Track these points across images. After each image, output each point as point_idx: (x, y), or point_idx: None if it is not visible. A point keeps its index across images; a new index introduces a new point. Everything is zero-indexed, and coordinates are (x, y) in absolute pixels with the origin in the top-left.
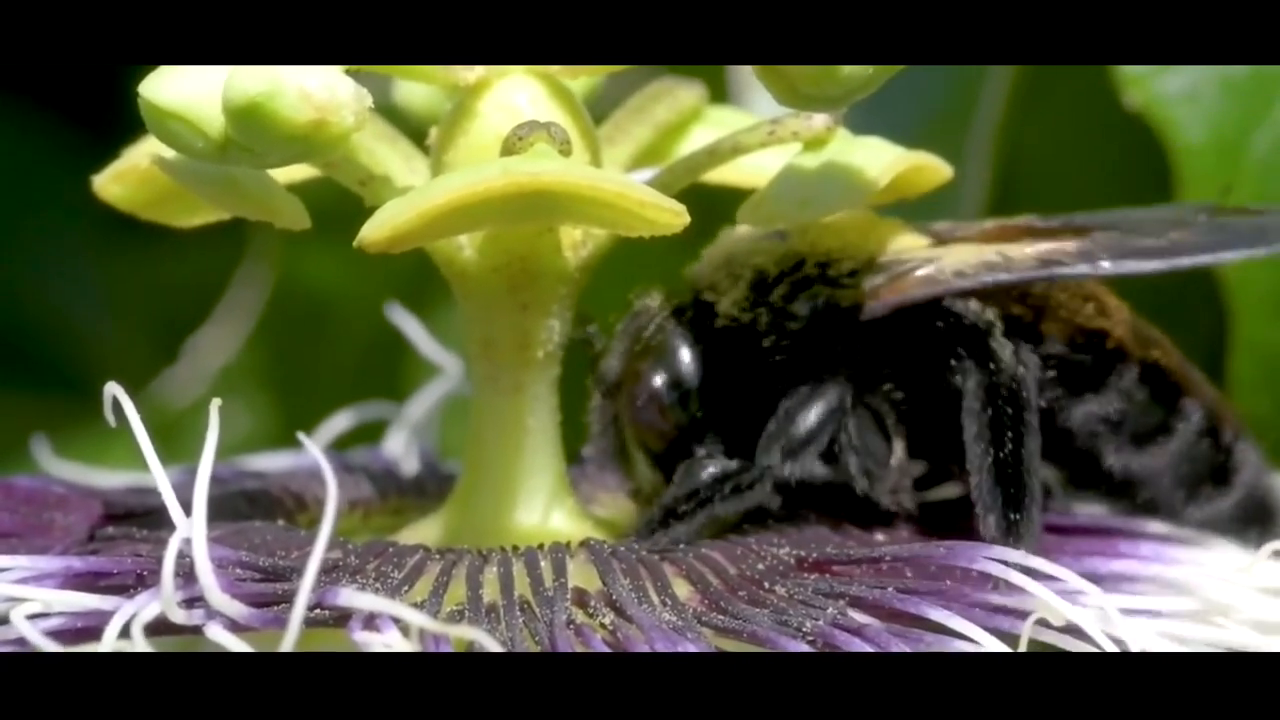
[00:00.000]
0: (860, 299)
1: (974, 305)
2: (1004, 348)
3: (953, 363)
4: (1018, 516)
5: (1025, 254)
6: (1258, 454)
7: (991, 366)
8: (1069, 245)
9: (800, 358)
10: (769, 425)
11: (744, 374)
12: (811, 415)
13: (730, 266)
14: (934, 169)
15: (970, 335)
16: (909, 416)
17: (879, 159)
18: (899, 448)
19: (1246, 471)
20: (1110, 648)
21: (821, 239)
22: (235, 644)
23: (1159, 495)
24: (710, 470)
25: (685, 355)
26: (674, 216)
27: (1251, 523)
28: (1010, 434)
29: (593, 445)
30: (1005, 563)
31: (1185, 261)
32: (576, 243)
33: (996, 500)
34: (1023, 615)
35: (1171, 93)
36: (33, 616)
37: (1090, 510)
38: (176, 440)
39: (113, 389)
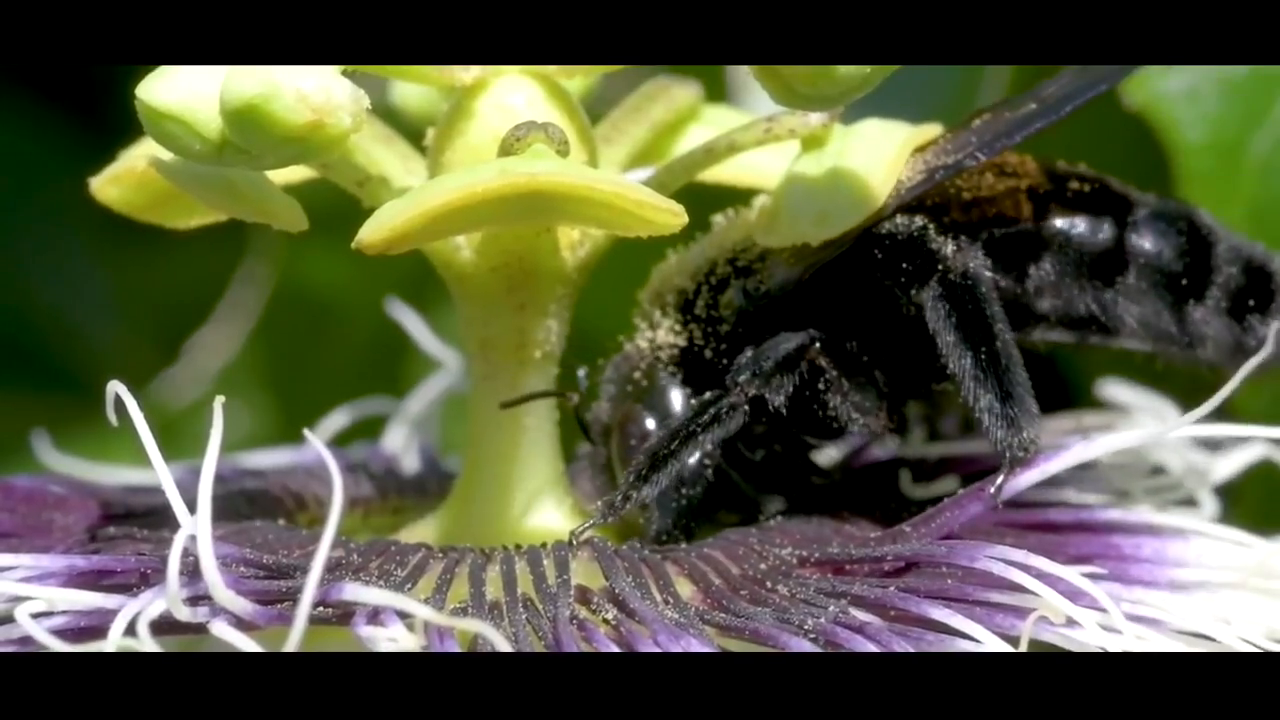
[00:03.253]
0: (778, 272)
1: (900, 220)
2: (944, 246)
3: (902, 280)
4: (1015, 410)
5: (912, 172)
6: (1230, 233)
7: (940, 268)
8: (948, 144)
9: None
10: (738, 358)
11: (708, 388)
12: (780, 346)
13: (660, 299)
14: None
15: (907, 248)
16: (885, 353)
17: (881, 155)
18: (882, 384)
19: (1223, 247)
20: (1111, 647)
21: (726, 235)
22: (241, 641)
23: (1146, 314)
24: (689, 405)
25: (672, 396)
26: (671, 216)
27: (1249, 299)
28: (981, 328)
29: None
30: (1007, 561)
31: (1054, 117)
32: (574, 243)
33: (992, 401)
34: (1024, 613)
35: (1171, 93)
36: (36, 615)
37: (1092, 503)
38: (176, 440)
39: (115, 387)
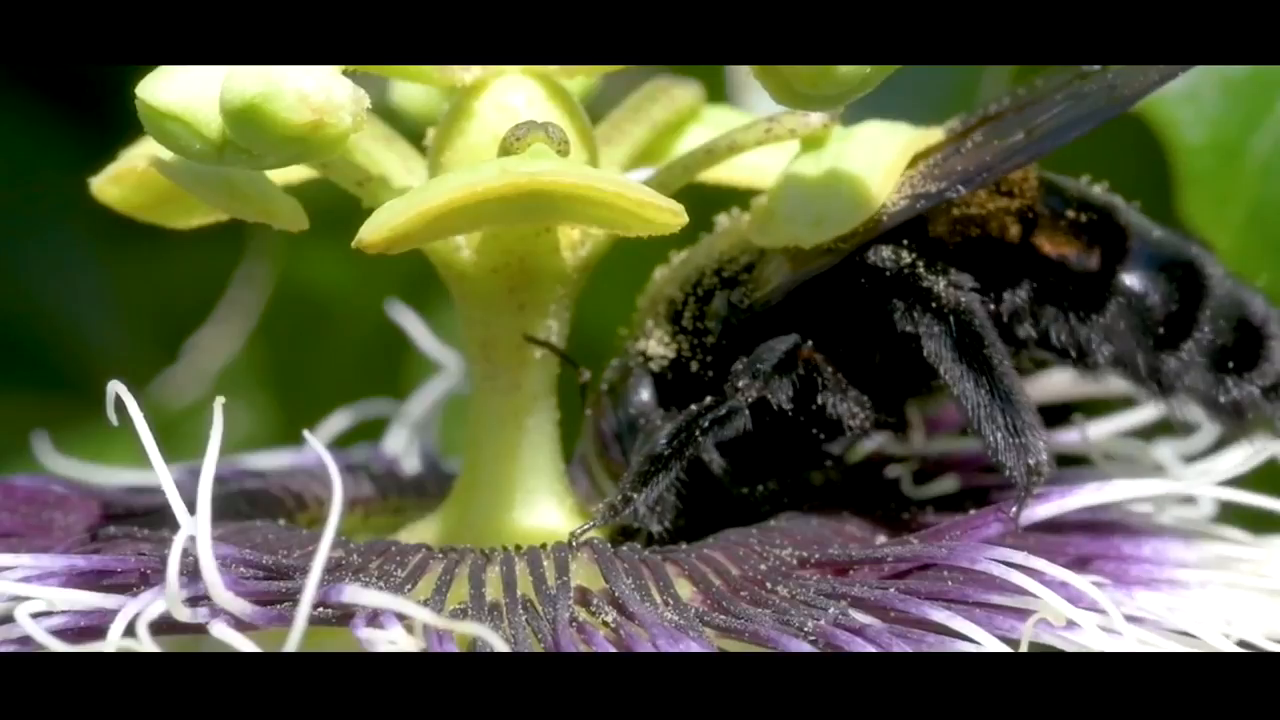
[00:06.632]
0: (760, 288)
1: (886, 254)
2: (935, 284)
3: (894, 316)
4: (1022, 439)
5: (898, 197)
6: (1238, 284)
7: (934, 306)
8: (936, 168)
9: (729, 365)
10: (733, 367)
11: (693, 400)
12: (774, 347)
13: (653, 307)
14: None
15: (896, 285)
16: (879, 358)
17: (880, 159)
18: (878, 384)
19: (1220, 299)
20: (1112, 648)
21: (715, 243)
22: (240, 642)
23: (1121, 354)
24: (687, 411)
25: (641, 395)
26: (672, 216)
27: (1231, 358)
28: (980, 362)
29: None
30: (1007, 563)
31: (1036, 153)
32: (574, 243)
33: (999, 433)
34: (1024, 615)
35: (1171, 93)
36: (36, 615)
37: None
38: (176, 440)
39: (115, 387)
